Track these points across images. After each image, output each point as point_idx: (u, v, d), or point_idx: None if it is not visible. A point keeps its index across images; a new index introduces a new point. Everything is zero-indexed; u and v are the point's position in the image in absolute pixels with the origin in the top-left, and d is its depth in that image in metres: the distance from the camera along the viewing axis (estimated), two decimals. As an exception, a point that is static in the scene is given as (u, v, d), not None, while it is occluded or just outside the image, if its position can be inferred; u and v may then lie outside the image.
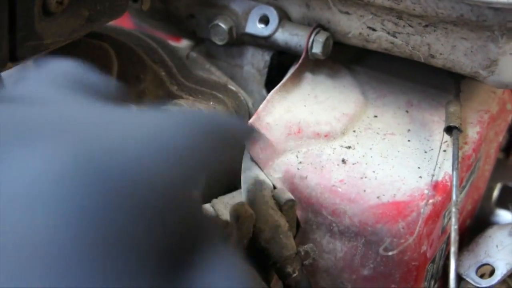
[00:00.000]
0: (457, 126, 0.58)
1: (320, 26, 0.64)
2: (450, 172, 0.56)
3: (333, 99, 0.64)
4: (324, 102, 0.64)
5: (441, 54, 0.59)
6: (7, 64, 0.53)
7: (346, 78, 0.67)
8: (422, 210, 0.54)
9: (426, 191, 0.55)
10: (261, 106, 0.61)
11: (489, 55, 0.57)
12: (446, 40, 0.58)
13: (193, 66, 0.69)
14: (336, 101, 0.64)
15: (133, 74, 0.67)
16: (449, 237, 0.61)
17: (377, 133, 0.62)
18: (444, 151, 0.59)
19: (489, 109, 0.65)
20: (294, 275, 0.54)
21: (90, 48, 0.66)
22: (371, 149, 0.59)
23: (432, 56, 0.60)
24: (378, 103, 0.66)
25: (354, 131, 0.62)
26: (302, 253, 0.55)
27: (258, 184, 0.56)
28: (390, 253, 0.54)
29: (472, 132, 0.62)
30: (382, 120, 0.64)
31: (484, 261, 0.60)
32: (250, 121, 0.59)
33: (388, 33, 0.61)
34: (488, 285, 0.59)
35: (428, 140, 0.61)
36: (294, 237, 0.57)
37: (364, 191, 0.55)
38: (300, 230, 0.59)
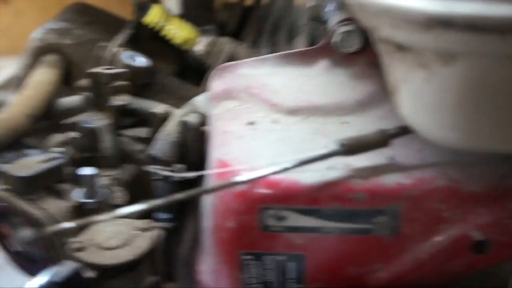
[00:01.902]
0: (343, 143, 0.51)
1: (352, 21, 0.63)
2: (298, 179, 0.51)
3: (320, 87, 0.63)
4: (308, 84, 0.64)
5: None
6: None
7: (363, 84, 0.63)
8: (236, 178, 0.52)
9: (251, 176, 0.52)
10: (254, 58, 0.67)
11: (393, 78, 0.48)
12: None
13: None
14: (319, 90, 0.63)
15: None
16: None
17: (315, 129, 0.59)
18: (330, 167, 0.53)
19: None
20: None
21: None
22: (285, 131, 0.58)
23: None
24: (368, 118, 0.60)
25: (304, 118, 0.61)
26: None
27: (190, 105, 0.66)
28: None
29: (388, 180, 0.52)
30: (341, 127, 0.59)
31: None
32: (227, 63, 0.66)
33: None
34: None
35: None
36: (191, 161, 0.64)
37: (228, 145, 0.57)
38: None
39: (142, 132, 0.68)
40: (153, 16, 0.74)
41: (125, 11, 1.77)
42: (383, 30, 0.44)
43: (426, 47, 0.42)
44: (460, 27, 0.38)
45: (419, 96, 0.45)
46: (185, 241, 0.66)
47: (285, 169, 0.50)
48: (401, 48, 0.44)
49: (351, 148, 0.51)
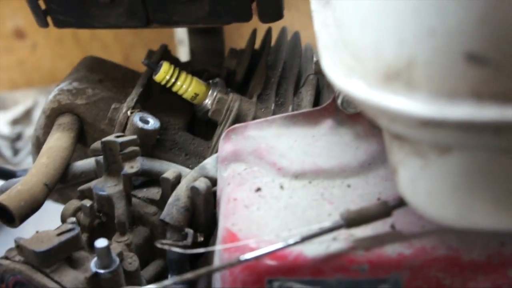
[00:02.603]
0: (346, 217, 0.53)
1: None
2: (303, 251, 0.54)
3: (325, 149, 0.65)
4: (313, 145, 0.65)
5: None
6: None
7: (367, 143, 0.65)
8: (243, 256, 0.54)
9: (261, 249, 0.54)
10: (259, 120, 0.69)
11: (392, 159, 0.49)
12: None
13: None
14: (324, 152, 0.65)
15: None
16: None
17: (320, 194, 0.61)
18: (334, 239, 0.55)
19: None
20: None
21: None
22: (291, 197, 0.60)
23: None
24: (371, 179, 0.62)
25: (310, 182, 0.63)
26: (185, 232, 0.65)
27: (200, 168, 0.68)
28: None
29: (389, 250, 0.54)
30: (345, 191, 0.61)
31: None
32: (236, 125, 0.68)
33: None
34: None
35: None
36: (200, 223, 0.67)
37: (236, 214, 0.59)
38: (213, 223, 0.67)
39: (153, 193, 0.70)
40: (163, 74, 0.76)
41: (139, 38, 1.80)
42: (380, 122, 0.46)
43: (421, 140, 0.44)
44: (453, 127, 0.40)
45: (416, 180, 0.47)
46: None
47: (290, 245, 0.52)
48: (398, 137, 0.46)
49: (353, 221, 0.53)
